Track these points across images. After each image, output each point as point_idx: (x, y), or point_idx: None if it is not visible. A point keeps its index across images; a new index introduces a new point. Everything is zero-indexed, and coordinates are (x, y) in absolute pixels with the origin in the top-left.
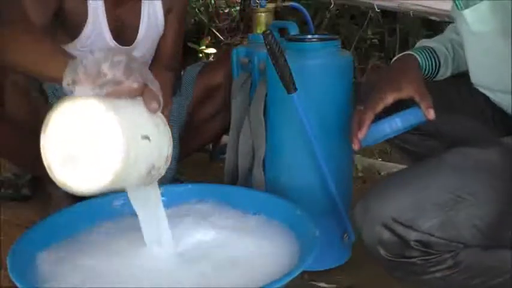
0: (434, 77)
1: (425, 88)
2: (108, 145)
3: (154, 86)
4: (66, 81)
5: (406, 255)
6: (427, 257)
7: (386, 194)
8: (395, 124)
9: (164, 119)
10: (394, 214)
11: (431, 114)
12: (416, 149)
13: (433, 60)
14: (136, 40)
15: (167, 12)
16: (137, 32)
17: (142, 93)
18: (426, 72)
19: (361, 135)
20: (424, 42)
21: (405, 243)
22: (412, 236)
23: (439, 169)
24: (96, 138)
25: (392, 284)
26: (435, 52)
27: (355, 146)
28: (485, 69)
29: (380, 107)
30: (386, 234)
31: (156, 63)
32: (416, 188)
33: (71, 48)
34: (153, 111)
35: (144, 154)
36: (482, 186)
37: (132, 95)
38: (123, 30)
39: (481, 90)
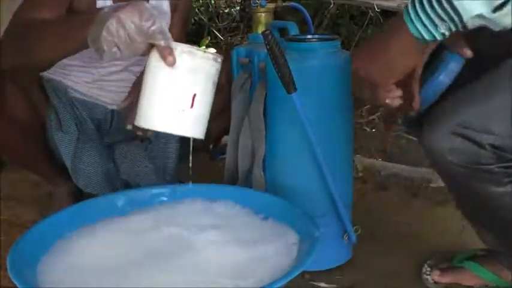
0: None
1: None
2: None
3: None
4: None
5: (482, 162)
6: (506, 164)
7: (452, 105)
8: (441, 82)
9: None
10: (464, 121)
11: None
12: None
13: None
14: None
15: (173, 10)
16: None
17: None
18: None
19: (416, 105)
20: None
21: (480, 148)
22: (485, 139)
23: (500, 75)
24: None
25: (392, 284)
26: None
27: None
28: None
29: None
30: (457, 141)
31: None
32: (482, 94)
33: None
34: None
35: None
36: None
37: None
38: None
39: None
